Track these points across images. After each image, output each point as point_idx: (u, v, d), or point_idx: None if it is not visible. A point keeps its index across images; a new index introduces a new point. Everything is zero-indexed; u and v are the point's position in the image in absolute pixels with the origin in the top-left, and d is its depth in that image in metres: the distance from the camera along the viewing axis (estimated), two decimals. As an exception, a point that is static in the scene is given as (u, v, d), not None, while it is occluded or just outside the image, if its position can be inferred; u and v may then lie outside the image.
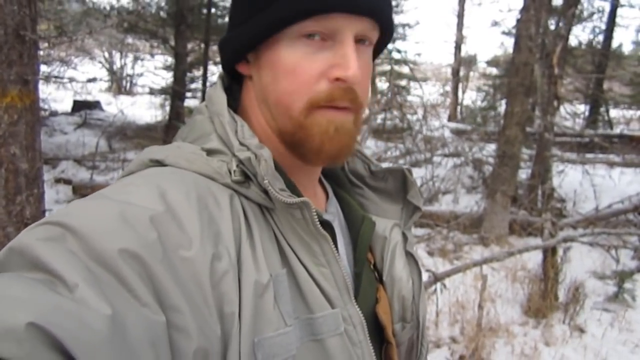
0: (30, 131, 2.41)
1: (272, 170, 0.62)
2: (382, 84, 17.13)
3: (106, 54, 19.70)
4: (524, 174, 7.68)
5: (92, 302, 0.44)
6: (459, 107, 18.32)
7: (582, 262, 5.24)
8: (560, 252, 4.39)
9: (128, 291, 0.48)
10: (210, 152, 0.65)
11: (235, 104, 0.73)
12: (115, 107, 12.51)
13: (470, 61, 20.18)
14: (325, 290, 0.65)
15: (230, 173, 0.63)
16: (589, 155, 9.63)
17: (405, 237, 0.82)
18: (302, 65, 0.64)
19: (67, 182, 6.88)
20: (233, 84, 0.75)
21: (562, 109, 11.44)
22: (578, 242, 4.77)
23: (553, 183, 6.87)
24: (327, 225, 0.67)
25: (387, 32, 0.70)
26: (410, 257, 0.82)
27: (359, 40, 0.66)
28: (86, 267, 0.46)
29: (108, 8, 10.30)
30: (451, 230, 6.06)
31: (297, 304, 0.62)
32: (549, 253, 4.26)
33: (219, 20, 11.17)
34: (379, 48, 0.74)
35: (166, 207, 0.55)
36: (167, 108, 11.27)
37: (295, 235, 0.64)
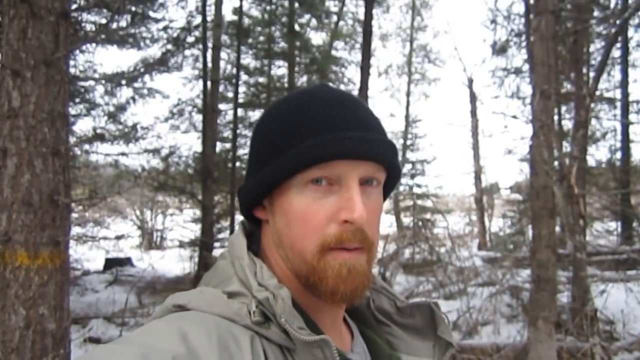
0: (59, 291, 2.46)
1: (290, 309, 0.62)
2: (407, 219, 17.28)
3: (137, 212, 20.49)
4: (564, 297, 7.36)
5: None
6: (487, 235, 18.17)
7: (644, 389, 4.81)
8: (618, 380, 4.05)
9: None
10: (231, 295, 0.66)
11: (257, 247, 0.76)
12: (145, 262, 12.70)
13: (492, 189, 20.38)
14: None
15: (250, 314, 0.63)
16: (631, 272, 9.25)
17: None
18: (311, 211, 0.67)
19: (96, 341, 6.83)
20: (255, 227, 0.78)
21: (594, 227, 11.24)
22: (636, 367, 4.42)
23: (596, 304, 6.55)
24: (351, 366, 0.65)
25: (393, 170, 0.73)
26: (448, 396, 0.78)
27: (366, 182, 0.69)
28: None
29: (140, 170, 10.91)
30: (496, 364, 5.69)
31: None
32: (606, 382, 3.93)
33: (243, 172, 11.71)
34: (390, 185, 0.77)
35: (188, 349, 0.55)
36: (196, 259, 11.41)
37: (317, 377, 0.62)
